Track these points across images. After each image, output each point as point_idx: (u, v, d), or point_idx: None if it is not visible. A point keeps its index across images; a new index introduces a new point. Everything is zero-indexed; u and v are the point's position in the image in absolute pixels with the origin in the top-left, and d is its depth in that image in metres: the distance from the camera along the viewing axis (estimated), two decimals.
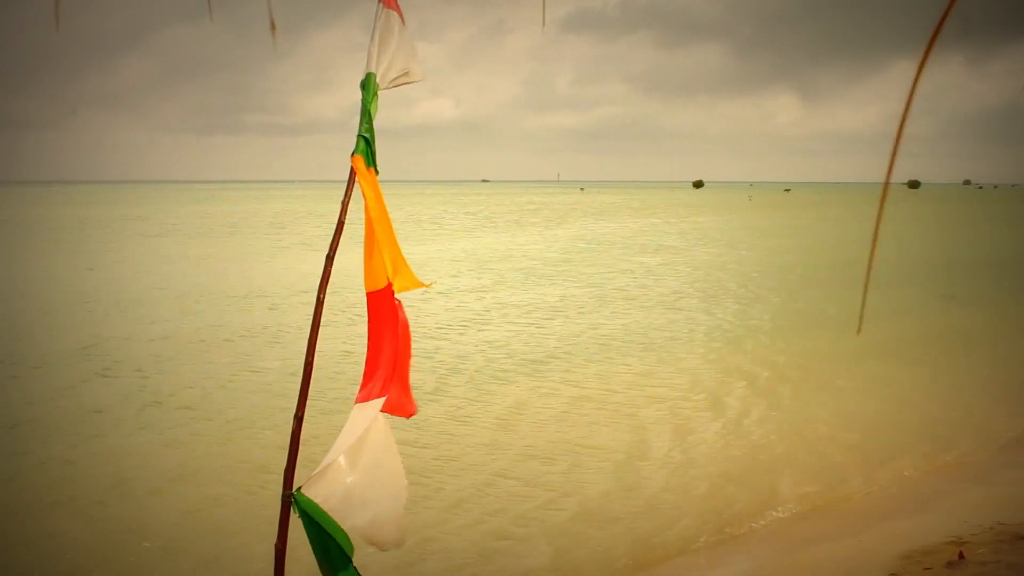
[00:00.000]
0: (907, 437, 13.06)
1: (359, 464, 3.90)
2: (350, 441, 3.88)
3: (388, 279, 4.04)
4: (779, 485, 11.13)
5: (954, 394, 15.56)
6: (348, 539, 3.85)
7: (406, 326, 4.15)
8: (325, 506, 3.79)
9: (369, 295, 4.10)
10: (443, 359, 18.27)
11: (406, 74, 4.35)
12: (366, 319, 4.12)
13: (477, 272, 35.61)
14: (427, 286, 4.22)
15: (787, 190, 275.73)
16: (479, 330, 22.10)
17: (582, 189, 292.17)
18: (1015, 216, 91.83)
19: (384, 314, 4.09)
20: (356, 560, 3.90)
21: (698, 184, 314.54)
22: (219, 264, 39.02)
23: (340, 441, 3.92)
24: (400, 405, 4.12)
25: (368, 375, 4.08)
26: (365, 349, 4.13)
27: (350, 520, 3.84)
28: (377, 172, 4.15)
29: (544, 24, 4.31)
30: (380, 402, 4.00)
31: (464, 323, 23.07)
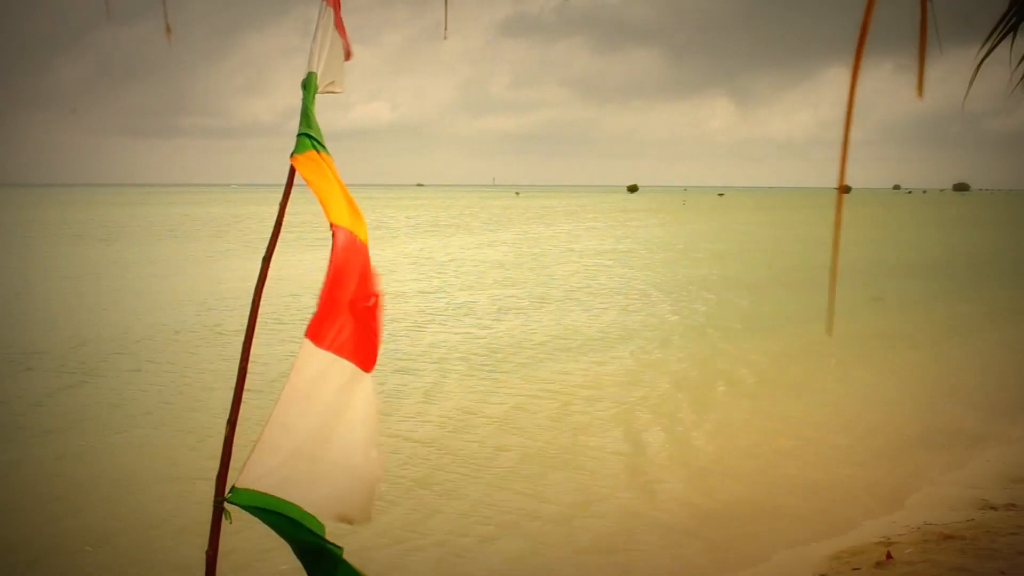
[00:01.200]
0: (834, 438, 13.21)
1: (306, 434, 3.70)
2: (294, 398, 3.70)
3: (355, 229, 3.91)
4: (710, 486, 11.22)
5: (880, 396, 15.80)
6: (310, 515, 3.65)
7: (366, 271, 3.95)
8: (272, 488, 3.65)
9: (338, 230, 3.83)
10: (393, 360, 18.37)
11: (332, 83, 4.32)
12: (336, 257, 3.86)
13: (424, 275, 35.62)
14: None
15: (721, 194, 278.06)
16: (427, 331, 22.20)
17: (517, 193, 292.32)
18: (940, 220, 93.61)
19: (353, 257, 3.94)
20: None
21: (632, 188, 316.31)
22: (160, 268, 38.46)
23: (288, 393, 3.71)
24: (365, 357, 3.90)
25: (327, 315, 3.81)
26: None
27: (308, 498, 3.66)
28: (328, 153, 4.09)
29: (446, 35, 4.32)
30: (346, 365, 3.79)
31: (412, 325, 23.10)
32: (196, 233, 64.25)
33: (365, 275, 3.92)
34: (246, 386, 3.92)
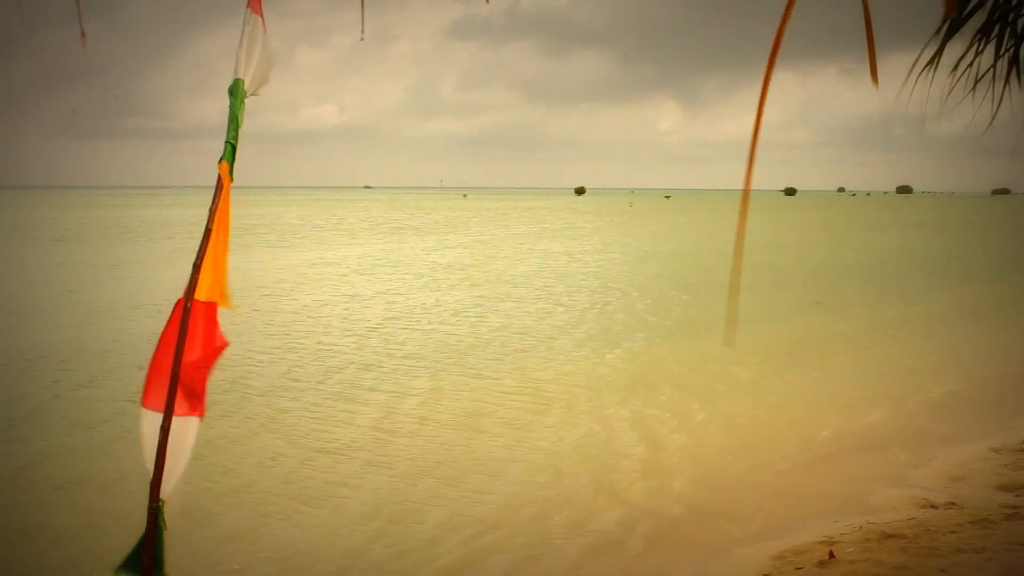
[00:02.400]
0: (777, 439, 13.34)
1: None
2: (183, 455, 3.91)
3: (216, 296, 4.00)
4: (653, 487, 11.28)
5: (821, 397, 15.98)
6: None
7: (222, 347, 4.08)
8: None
9: (196, 304, 3.99)
10: (336, 362, 18.49)
11: (263, 85, 4.29)
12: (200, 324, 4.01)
13: (381, 277, 35.76)
14: (230, 307, 4.17)
15: (668, 197, 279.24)
16: (384, 332, 22.33)
17: (465, 195, 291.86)
18: (882, 223, 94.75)
19: (210, 329, 4.01)
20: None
21: (580, 191, 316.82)
22: (108, 271, 37.95)
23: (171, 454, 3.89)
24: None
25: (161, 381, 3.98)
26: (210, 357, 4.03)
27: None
28: (232, 180, 4.08)
29: (363, 36, 4.30)
30: (196, 420, 3.99)
31: (371, 326, 23.19)
32: (148, 235, 63.43)
33: (208, 336, 4.04)
34: None
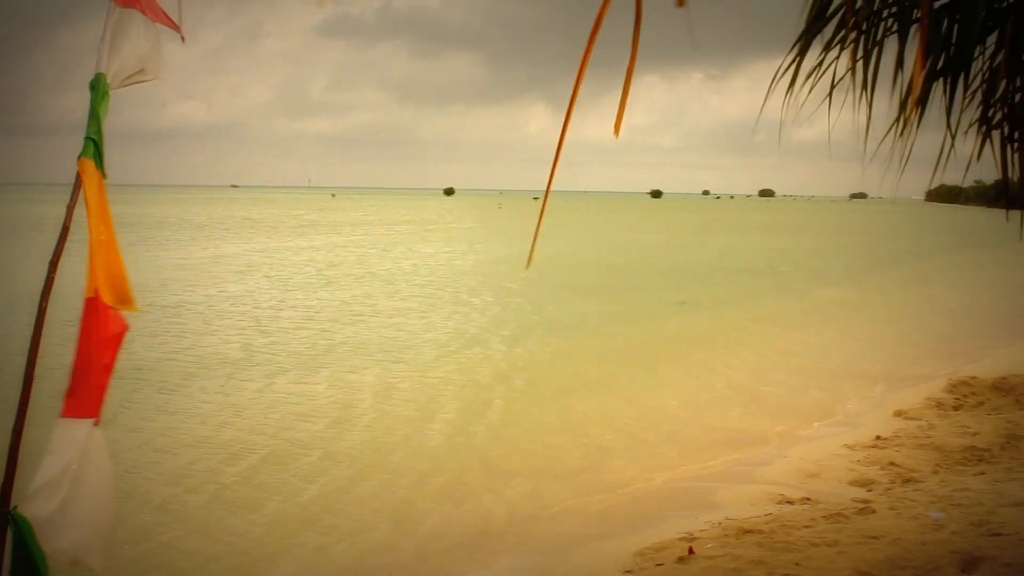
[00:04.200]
0: (640, 436, 13.54)
1: (76, 484, 3.76)
2: (67, 459, 3.74)
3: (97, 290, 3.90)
4: (517, 485, 11.36)
5: (684, 395, 16.25)
6: (45, 560, 3.73)
7: (119, 333, 3.98)
8: (37, 525, 3.65)
9: (89, 301, 3.90)
10: (221, 361, 18.34)
11: (140, 72, 4.22)
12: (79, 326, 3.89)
13: (252, 275, 35.61)
14: (137, 311, 4.08)
15: (536, 198, 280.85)
16: (259, 330, 22.20)
17: (333, 195, 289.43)
18: (741, 225, 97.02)
19: (95, 323, 3.92)
20: None
21: (449, 191, 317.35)
22: None
23: (53, 458, 3.75)
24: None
25: (79, 387, 3.88)
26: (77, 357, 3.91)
27: (58, 540, 3.72)
28: (105, 176, 4.00)
29: (183, 40, 4.29)
30: (90, 422, 3.84)
31: (245, 324, 23.04)
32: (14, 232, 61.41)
33: (105, 332, 3.93)
34: (36, 393, 3.81)
